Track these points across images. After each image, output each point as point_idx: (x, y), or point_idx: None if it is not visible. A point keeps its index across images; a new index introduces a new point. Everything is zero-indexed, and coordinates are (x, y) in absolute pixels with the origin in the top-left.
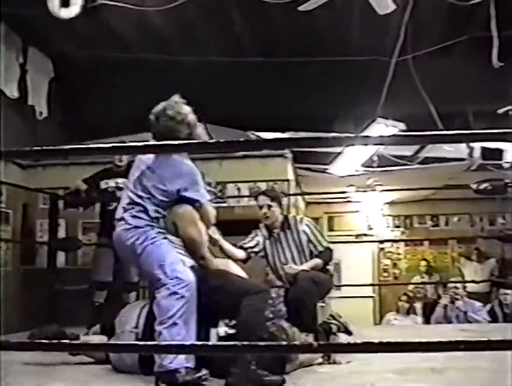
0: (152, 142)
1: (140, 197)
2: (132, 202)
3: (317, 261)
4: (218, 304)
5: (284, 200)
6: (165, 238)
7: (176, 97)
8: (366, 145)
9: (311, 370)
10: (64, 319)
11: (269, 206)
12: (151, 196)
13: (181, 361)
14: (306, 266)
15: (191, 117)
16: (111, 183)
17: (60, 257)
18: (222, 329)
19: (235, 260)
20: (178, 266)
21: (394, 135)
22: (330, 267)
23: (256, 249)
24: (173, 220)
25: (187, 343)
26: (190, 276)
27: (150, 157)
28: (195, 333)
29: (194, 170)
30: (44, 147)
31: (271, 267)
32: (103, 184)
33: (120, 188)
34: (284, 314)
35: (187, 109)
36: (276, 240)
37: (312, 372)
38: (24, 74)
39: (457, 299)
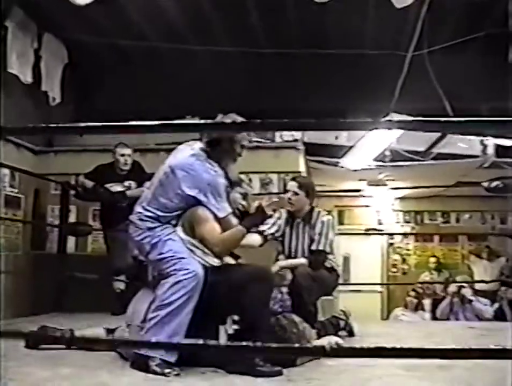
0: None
1: (155, 199)
2: (146, 206)
3: (300, 261)
4: (222, 299)
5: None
6: (174, 232)
7: None
8: (379, 128)
9: (318, 363)
10: (73, 305)
11: (295, 193)
12: (169, 201)
13: (159, 352)
14: (284, 263)
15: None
16: (119, 187)
17: (70, 243)
18: (230, 327)
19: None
20: (187, 259)
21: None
22: (338, 267)
23: (276, 234)
24: (190, 220)
25: (194, 342)
26: (199, 269)
27: (176, 161)
28: (204, 331)
29: (216, 181)
30: (46, 125)
31: (284, 254)
32: (109, 187)
33: (128, 188)
34: (289, 307)
35: None
36: (295, 229)
37: (320, 365)
38: (39, 59)
39: (464, 296)
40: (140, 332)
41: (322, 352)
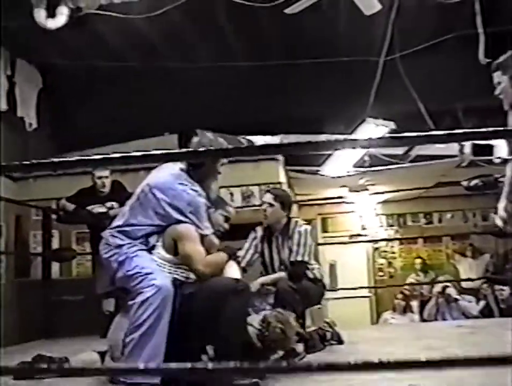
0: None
1: (132, 217)
2: (121, 223)
3: (280, 275)
4: (198, 315)
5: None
6: (141, 249)
7: None
8: (354, 148)
9: None
10: (60, 330)
11: (271, 205)
12: (147, 219)
13: (145, 377)
14: (263, 280)
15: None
16: (101, 209)
17: (55, 268)
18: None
19: None
20: (153, 274)
21: (383, 137)
22: (323, 277)
23: (254, 257)
24: (173, 237)
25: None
26: (165, 284)
27: (155, 180)
28: (183, 358)
29: (197, 201)
30: (44, 160)
31: (266, 270)
32: (91, 208)
33: (110, 209)
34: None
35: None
36: (274, 244)
37: None
38: (13, 86)
39: (450, 295)
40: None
41: (309, 369)
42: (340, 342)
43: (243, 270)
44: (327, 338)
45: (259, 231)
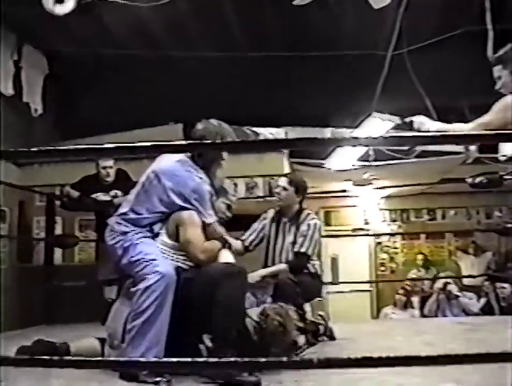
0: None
1: (137, 204)
2: (126, 210)
3: (280, 267)
4: (196, 299)
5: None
6: (146, 236)
7: None
8: (359, 145)
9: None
10: (61, 316)
11: (284, 188)
12: (152, 206)
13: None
14: (264, 272)
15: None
16: (105, 197)
17: (57, 254)
18: (208, 340)
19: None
20: (157, 260)
21: (390, 136)
22: (322, 273)
23: (257, 240)
24: (176, 223)
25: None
26: (169, 271)
27: (160, 166)
28: (182, 345)
29: (201, 189)
30: (46, 147)
31: (267, 255)
32: (95, 196)
33: (114, 197)
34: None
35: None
36: (281, 229)
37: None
38: (19, 71)
39: (450, 292)
40: (121, 348)
41: (310, 364)
42: (332, 338)
43: (246, 249)
44: (320, 331)
45: (270, 213)
